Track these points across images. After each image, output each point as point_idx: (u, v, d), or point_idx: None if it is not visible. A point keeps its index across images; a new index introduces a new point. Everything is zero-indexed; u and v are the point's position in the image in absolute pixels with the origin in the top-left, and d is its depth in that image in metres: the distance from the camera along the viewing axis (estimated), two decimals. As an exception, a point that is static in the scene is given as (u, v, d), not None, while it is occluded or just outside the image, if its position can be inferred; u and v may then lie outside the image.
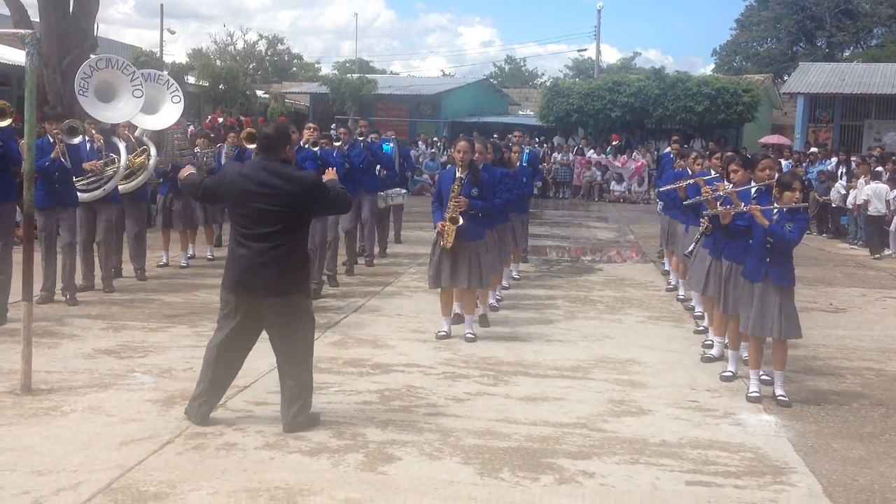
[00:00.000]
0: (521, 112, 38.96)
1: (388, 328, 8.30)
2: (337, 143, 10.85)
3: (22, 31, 6.31)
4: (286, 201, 5.17)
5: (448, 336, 7.89)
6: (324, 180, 5.62)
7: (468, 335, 7.89)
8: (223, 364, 5.34)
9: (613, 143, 27.86)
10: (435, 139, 30.29)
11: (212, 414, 5.41)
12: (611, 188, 26.78)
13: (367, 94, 33.55)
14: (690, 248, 7.36)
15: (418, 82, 39.89)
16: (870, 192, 15.62)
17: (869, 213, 15.57)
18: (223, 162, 11.82)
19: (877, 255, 14.88)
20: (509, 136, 18.31)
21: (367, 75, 37.34)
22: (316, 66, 58.72)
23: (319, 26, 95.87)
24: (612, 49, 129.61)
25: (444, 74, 54.62)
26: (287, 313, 5.24)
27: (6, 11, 16.72)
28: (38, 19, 16.01)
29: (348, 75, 36.35)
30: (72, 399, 5.79)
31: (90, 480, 4.48)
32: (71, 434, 5.14)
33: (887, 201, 15.35)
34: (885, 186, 15.58)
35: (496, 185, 8.05)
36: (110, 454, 4.84)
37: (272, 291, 5.17)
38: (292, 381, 5.28)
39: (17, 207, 9.82)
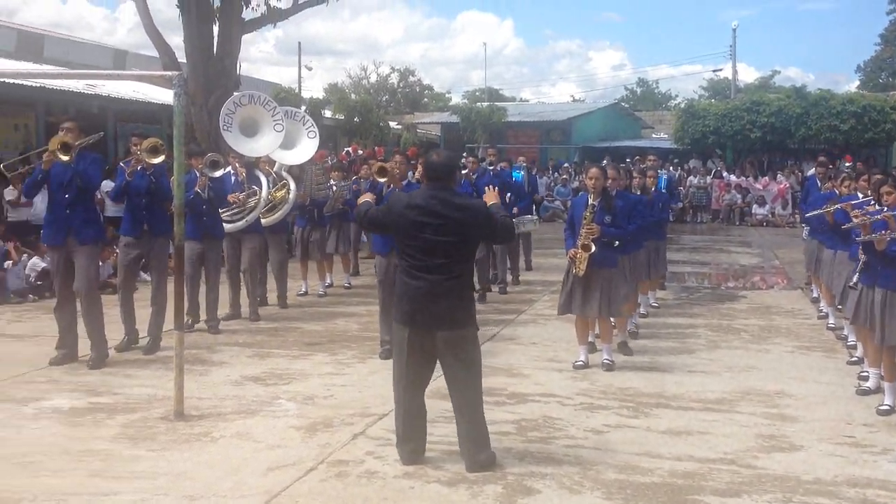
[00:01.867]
0: (654, 135, 38.33)
1: (523, 357, 8.24)
2: (465, 172, 10.98)
3: (170, 73, 6.63)
4: (458, 231, 5.07)
5: (585, 366, 7.77)
6: (487, 203, 5.49)
7: (605, 362, 7.76)
8: (410, 401, 5.24)
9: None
10: (565, 165, 30.11)
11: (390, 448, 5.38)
12: (753, 211, 25.88)
13: (498, 121, 33.77)
14: (854, 281, 6.96)
15: (548, 108, 39.88)
16: None
17: None
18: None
19: None
20: (638, 158, 18.02)
21: (496, 103, 37.65)
22: (446, 95, 59.60)
23: (449, 57, 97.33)
24: (749, 68, 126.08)
25: (575, 100, 54.39)
26: (459, 346, 5.16)
27: (154, 54, 17.70)
28: (185, 61, 16.86)
29: (478, 104, 36.71)
30: (221, 425, 5.99)
31: (239, 506, 4.61)
32: (221, 459, 5.31)
33: None
34: None
35: (630, 211, 7.92)
36: (258, 480, 4.97)
37: (445, 324, 5.10)
38: (469, 418, 5.16)
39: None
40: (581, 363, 7.80)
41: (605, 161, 14.94)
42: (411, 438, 5.26)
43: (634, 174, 9.49)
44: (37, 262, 11.54)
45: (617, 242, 7.69)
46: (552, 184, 27.40)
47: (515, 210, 12.38)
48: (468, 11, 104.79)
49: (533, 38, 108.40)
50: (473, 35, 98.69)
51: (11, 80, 15.92)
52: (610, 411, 6.50)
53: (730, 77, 43.24)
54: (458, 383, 5.20)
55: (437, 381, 7.23)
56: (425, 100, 57.12)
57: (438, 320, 5.09)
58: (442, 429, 5.78)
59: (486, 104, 36.21)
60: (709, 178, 26.98)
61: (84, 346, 7.77)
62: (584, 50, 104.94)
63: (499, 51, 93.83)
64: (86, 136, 7.75)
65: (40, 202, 13.26)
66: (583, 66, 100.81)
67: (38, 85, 17.30)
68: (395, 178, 7.86)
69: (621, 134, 36.71)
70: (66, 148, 7.32)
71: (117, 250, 9.27)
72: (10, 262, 11.44)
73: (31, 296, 11.24)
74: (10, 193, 13.36)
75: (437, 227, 5.06)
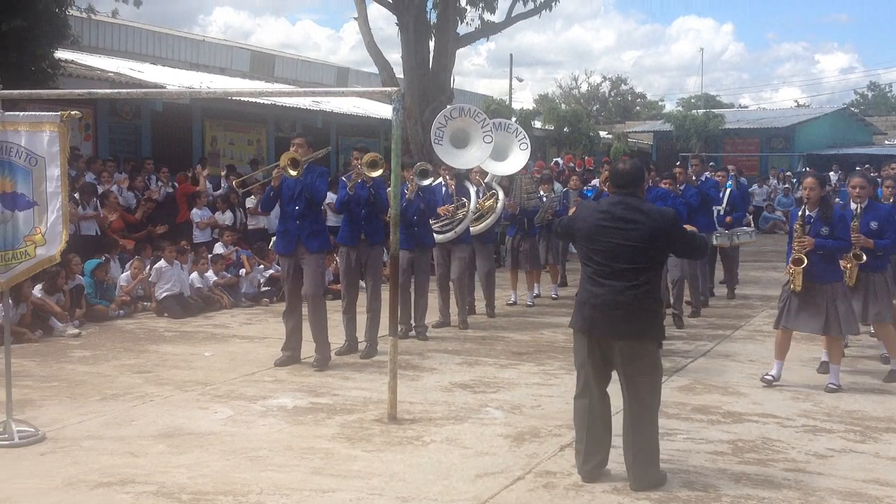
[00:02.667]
0: (887, 142, 35.73)
1: (739, 374, 7.91)
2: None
3: (390, 89, 6.91)
4: (644, 236, 4.96)
5: (775, 381, 7.45)
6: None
7: (831, 386, 7.31)
8: (592, 415, 5.10)
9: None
10: (787, 173, 28.64)
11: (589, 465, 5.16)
12: None
13: (714, 129, 32.69)
14: None
15: (769, 115, 38.16)
16: None
17: None
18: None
19: None
20: (867, 166, 16.83)
21: (713, 110, 36.41)
22: (659, 103, 58.37)
23: (663, 64, 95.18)
24: None
25: (799, 105, 51.65)
26: (636, 358, 4.99)
27: (372, 70, 18.51)
28: (402, 76, 17.51)
29: (693, 111, 35.65)
30: (432, 430, 6.15)
31: (448, 510, 4.71)
32: (431, 463, 5.45)
33: None
34: None
35: (884, 223, 7.53)
36: (467, 486, 5.06)
37: (624, 333, 4.97)
38: (638, 434, 5.02)
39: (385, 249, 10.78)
40: (771, 378, 7.49)
41: (831, 170, 14.06)
42: (591, 456, 5.09)
43: (885, 185, 8.90)
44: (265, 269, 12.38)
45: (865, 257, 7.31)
46: (772, 193, 26.13)
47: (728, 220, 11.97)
48: (685, 17, 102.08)
49: (754, 42, 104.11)
50: (690, 40, 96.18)
51: (248, 99, 17.20)
52: (835, 435, 6.12)
53: (976, 76, 39.62)
54: (631, 396, 5.02)
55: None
56: (637, 108, 56.21)
57: (617, 329, 4.95)
58: (661, 444, 5.67)
59: (701, 111, 35.11)
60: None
61: (307, 349, 8.22)
62: (811, 53, 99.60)
63: (717, 56, 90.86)
64: (314, 151, 8.22)
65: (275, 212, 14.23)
66: (808, 70, 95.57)
67: (269, 102, 18.56)
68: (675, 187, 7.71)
69: (850, 140, 34.51)
70: (294, 163, 7.77)
71: (337, 258, 9.75)
72: (244, 270, 12.29)
73: (265, 299, 12.06)
74: (250, 202, 14.38)
75: (623, 230, 4.96)
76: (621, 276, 4.97)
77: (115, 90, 12.02)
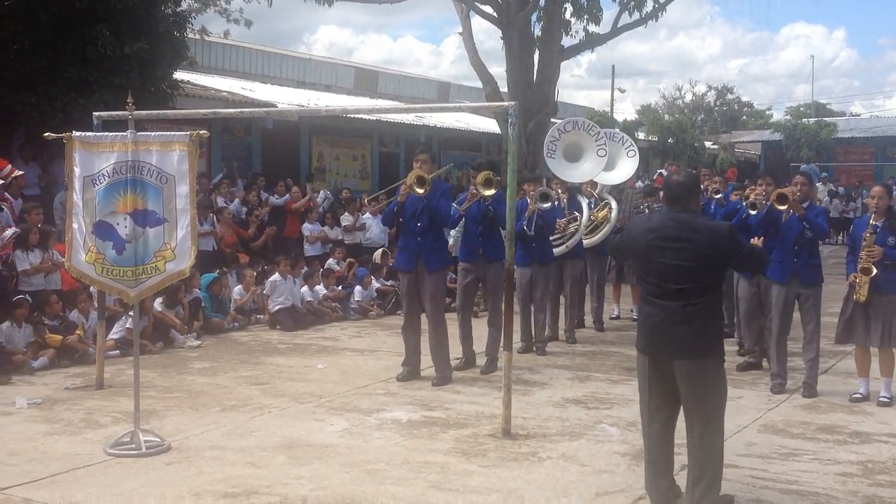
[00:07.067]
0: None
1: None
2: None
3: (507, 103, 6.90)
4: (697, 255, 4.66)
5: (863, 399, 7.32)
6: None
7: (882, 399, 7.26)
8: (652, 432, 4.88)
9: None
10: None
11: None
12: None
13: (826, 138, 31.64)
14: None
15: (884, 122, 36.73)
16: None
17: None
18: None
19: None
20: None
21: (824, 119, 35.27)
22: (767, 112, 56.88)
23: (771, 71, 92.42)
24: None
25: (915, 111, 49.57)
26: (696, 378, 4.67)
27: (473, 84, 18.54)
28: (505, 89, 17.51)
29: (803, 120, 34.62)
30: (547, 446, 6.10)
31: (569, 528, 4.66)
32: (549, 480, 5.40)
33: None
34: None
35: None
36: (586, 504, 5.01)
37: (682, 353, 4.68)
38: (696, 457, 4.72)
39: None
40: (859, 396, 7.40)
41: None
42: (659, 474, 4.86)
43: None
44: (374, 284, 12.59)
45: None
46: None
47: None
48: (795, 24, 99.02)
49: (867, 48, 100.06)
50: (799, 47, 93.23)
51: (354, 115, 17.50)
52: (973, 459, 5.82)
53: None
54: (691, 417, 4.72)
55: (766, 415, 6.91)
56: (744, 118, 54.90)
57: (674, 349, 4.69)
58: (778, 466, 5.51)
59: (812, 120, 34.06)
60: None
61: (425, 362, 8.25)
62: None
63: (827, 63, 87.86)
64: (437, 167, 8.24)
65: (375, 226, 14.40)
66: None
67: (374, 119, 18.86)
68: (797, 206, 7.49)
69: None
70: (421, 181, 7.78)
71: (454, 275, 9.76)
72: (360, 287, 12.45)
73: (372, 312, 12.22)
74: (345, 220, 14.57)
75: (675, 250, 4.69)
76: (674, 296, 4.71)
77: (238, 110, 12.37)
